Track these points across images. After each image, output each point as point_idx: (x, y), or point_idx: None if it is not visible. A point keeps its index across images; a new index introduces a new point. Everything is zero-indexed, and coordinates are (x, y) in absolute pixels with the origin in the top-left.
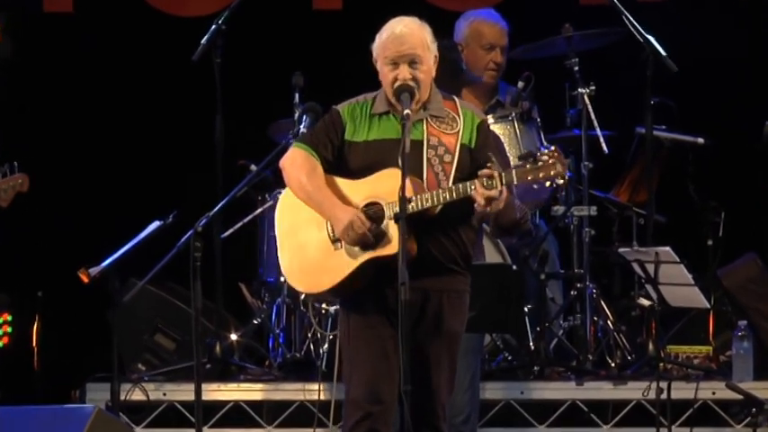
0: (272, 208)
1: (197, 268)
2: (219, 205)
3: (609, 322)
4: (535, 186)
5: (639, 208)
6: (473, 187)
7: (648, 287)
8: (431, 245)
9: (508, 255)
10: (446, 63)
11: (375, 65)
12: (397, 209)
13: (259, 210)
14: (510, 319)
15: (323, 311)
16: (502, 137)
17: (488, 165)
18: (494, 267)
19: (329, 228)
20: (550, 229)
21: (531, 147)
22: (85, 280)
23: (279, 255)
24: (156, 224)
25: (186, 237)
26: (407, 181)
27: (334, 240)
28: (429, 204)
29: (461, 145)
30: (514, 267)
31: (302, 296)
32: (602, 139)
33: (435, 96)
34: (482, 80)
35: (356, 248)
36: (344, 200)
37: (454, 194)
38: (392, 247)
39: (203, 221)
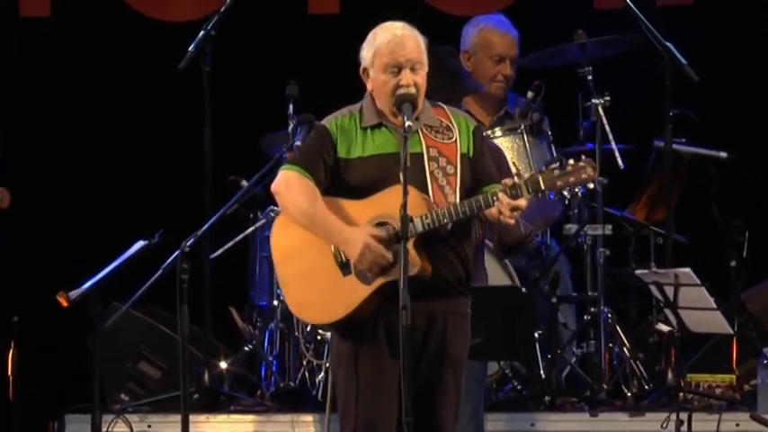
0: (265, 227)
1: (184, 291)
2: (208, 224)
3: (625, 349)
4: (561, 195)
5: (658, 227)
6: (495, 198)
7: (667, 311)
8: (440, 264)
9: (517, 276)
10: (445, 70)
11: (362, 74)
12: (413, 226)
13: (250, 228)
14: (519, 346)
15: (318, 338)
16: (510, 150)
17: (515, 173)
18: (501, 290)
19: (336, 253)
20: (562, 250)
21: (541, 161)
22: (65, 304)
23: (281, 287)
24: (140, 244)
25: (172, 257)
26: (419, 198)
27: (342, 265)
28: (446, 220)
29: (462, 155)
30: (523, 290)
31: (295, 320)
32: (617, 154)
33: (426, 105)
34: (484, 88)
35: (369, 273)
36: (350, 222)
37: (474, 207)
38: (410, 268)
39: (191, 241)
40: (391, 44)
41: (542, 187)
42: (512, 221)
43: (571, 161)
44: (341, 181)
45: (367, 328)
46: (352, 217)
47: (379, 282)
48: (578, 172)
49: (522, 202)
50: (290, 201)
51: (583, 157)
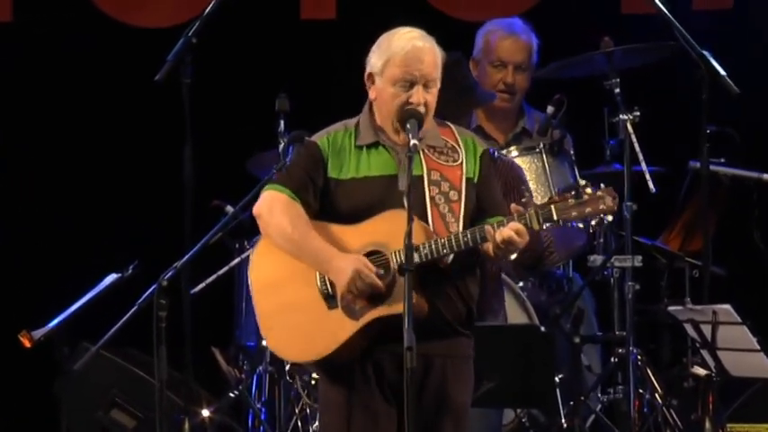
0: None
1: (162, 330)
2: (188, 255)
3: (657, 395)
4: (580, 225)
5: (694, 258)
6: (504, 227)
7: (704, 353)
8: (438, 301)
9: (535, 313)
10: (452, 81)
11: (367, 79)
12: (404, 257)
13: (236, 260)
14: (537, 392)
15: (312, 382)
16: (528, 173)
17: (522, 200)
18: (518, 329)
19: (321, 282)
20: (586, 284)
21: (562, 184)
22: (28, 344)
23: (259, 321)
24: (112, 277)
25: (148, 292)
26: (417, 226)
27: (328, 297)
28: (446, 251)
29: (467, 179)
30: (543, 329)
31: (287, 365)
32: (648, 176)
33: (431, 123)
34: (496, 98)
35: (357, 306)
36: (341, 249)
37: (478, 238)
38: (401, 304)
39: (169, 274)
40: (408, 55)
41: (555, 218)
42: (505, 258)
43: (588, 189)
44: (331, 204)
45: (357, 370)
46: (340, 244)
47: (369, 317)
48: (595, 202)
49: (514, 236)
50: (272, 224)
51: (602, 185)
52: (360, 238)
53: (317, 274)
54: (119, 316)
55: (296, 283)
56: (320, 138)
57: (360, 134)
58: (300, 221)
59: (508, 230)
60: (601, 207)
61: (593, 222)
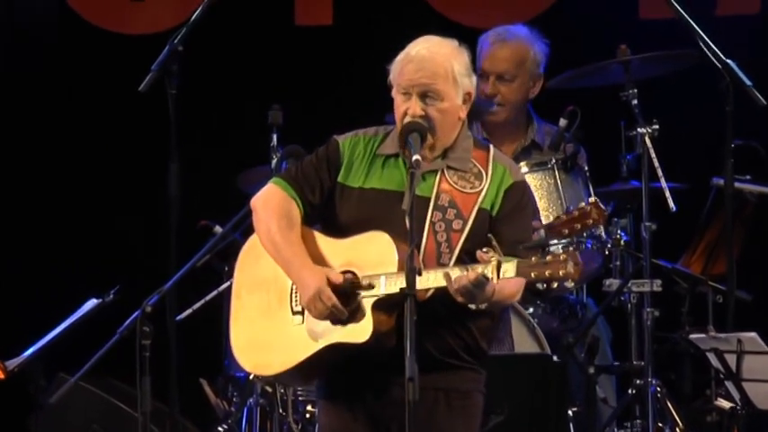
0: None
1: (145, 360)
2: (174, 278)
3: (678, 430)
4: (539, 286)
5: (717, 282)
6: (460, 275)
7: (729, 384)
8: (424, 336)
9: (546, 342)
10: None
11: (391, 91)
12: (378, 283)
13: (225, 284)
14: (549, 426)
15: (307, 415)
16: (539, 190)
17: (485, 249)
18: (528, 359)
19: (292, 294)
20: (601, 310)
21: (575, 201)
22: (0, 376)
23: (230, 321)
24: (92, 303)
25: (131, 319)
26: (397, 251)
27: (296, 312)
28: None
29: (479, 210)
30: (555, 358)
31: (279, 394)
32: (668, 194)
33: (463, 143)
34: (494, 107)
35: (320, 327)
36: (320, 262)
37: (443, 279)
38: (362, 333)
39: (153, 299)
40: (403, 63)
41: (513, 274)
42: (474, 306)
43: (553, 249)
44: (333, 210)
45: (346, 402)
46: (323, 256)
47: (326, 341)
48: (556, 265)
49: (469, 286)
50: (263, 221)
51: (570, 249)
52: (340, 254)
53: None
54: (99, 344)
55: (271, 288)
56: (344, 139)
57: (385, 142)
58: (287, 223)
59: (465, 280)
60: (561, 272)
61: (554, 286)
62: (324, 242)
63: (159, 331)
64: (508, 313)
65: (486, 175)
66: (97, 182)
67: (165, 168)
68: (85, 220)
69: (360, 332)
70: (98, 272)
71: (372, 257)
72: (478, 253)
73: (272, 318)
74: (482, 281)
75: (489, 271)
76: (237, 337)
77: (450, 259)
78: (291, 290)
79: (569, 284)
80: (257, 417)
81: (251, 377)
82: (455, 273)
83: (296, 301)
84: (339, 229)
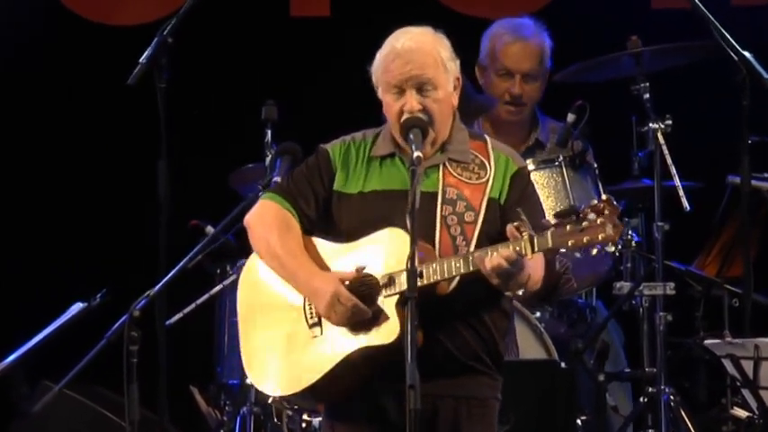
0: (235, 285)
1: (133, 366)
2: (164, 281)
3: None
4: (577, 254)
5: (733, 284)
6: (493, 254)
7: (745, 392)
8: (442, 334)
9: (554, 348)
10: None
11: (377, 93)
12: (399, 281)
13: (218, 287)
14: None
15: (303, 424)
16: (546, 188)
17: (515, 224)
18: (535, 365)
19: (306, 307)
20: (611, 314)
21: (584, 200)
22: None
23: (240, 344)
24: (77, 307)
25: (118, 324)
26: (417, 247)
27: (313, 324)
28: (437, 278)
29: (489, 200)
30: (563, 365)
31: (269, 399)
32: (681, 192)
33: (459, 134)
34: (497, 103)
35: (341, 334)
36: (329, 269)
37: (470, 264)
38: (388, 334)
39: (142, 303)
40: (388, 59)
41: (550, 245)
42: (510, 290)
43: (591, 215)
44: (333, 219)
45: (359, 410)
46: (331, 263)
47: (353, 347)
48: (594, 230)
49: (503, 264)
50: (259, 236)
51: (606, 209)
52: (350, 258)
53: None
54: (85, 350)
55: (281, 307)
56: (333, 146)
57: (377, 144)
58: (289, 236)
59: (498, 258)
60: (600, 236)
61: (593, 252)
62: (329, 249)
63: (148, 336)
64: (513, 317)
65: (489, 164)
66: (83, 180)
67: (154, 166)
68: (71, 220)
69: (386, 333)
70: (84, 274)
71: (387, 255)
72: (509, 227)
73: (290, 336)
74: (516, 258)
75: (522, 246)
76: (254, 363)
77: (468, 252)
78: (304, 303)
79: (610, 248)
80: (251, 426)
81: (245, 383)
82: (477, 254)
83: (310, 313)
84: (343, 237)
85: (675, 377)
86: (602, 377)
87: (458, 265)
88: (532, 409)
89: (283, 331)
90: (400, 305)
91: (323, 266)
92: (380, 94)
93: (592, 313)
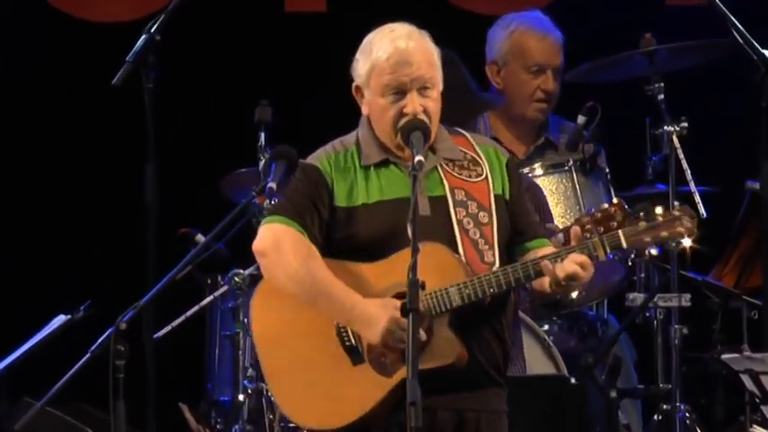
0: (227, 296)
1: (119, 382)
2: (151, 292)
3: None
4: (653, 250)
5: (752, 296)
6: (559, 260)
7: (765, 409)
8: (476, 347)
9: (563, 362)
10: (451, 82)
11: (355, 93)
12: (449, 300)
13: (208, 298)
14: None
15: None
16: (555, 194)
17: (547, 225)
18: (543, 380)
19: (341, 334)
20: (624, 327)
21: (595, 206)
22: None
23: (268, 382)
24: (60, 319)
25: (104, 337)
26: (451, 260)
27: (351, 351)
28: (492, 291)
29: (495, 197)
30: (573, 380)
31: (268, 421)
32: (697, 198)
33: (442, 133)
34: (501, 102)
35: (388, 360)
36: (361, 292)
37: (532, 273)
38: (449, 353)
39: (128, 315)
40: (392, 59)
41: (624, 245)
42: (565, 295)
43: (659, 209)
44: (341, 237)
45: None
46: (361, 286)
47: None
48: (670, 224)
49: (579, 270)
50: (280, 265)
51: (676, 204)
52: (384, 277)
53: (335, 322)
54: (68, 365)
55: (310, 334)
56: (319, 160)
57: (363, 152)
58: (314, 262)
59: (572, 264)
60: (678, 229)
61: (672, 246)
62: (357, 270)
63: (135, 350)
64: (519, 328)
65: (481, 159)
66: (66, 185)
67: (142, 171)
68: (53, 227)
69: (445, 352)
70: (67, 284)
71: (434, 272)
72: (574, 229)
73: (325, 365)
74: (588, 262)
75: (594, 247)
76: (289, 399)
77: (493, 256)
78: (337, 328)
79: (687, 243)
80: None
81: (237, 400)
82: (543, 263)
83: (348, 339)
84: (353, 255)
85: (691, 394)
86: (614, 394)
87: (517, 276)
88: (540, 426)
89: (316, 359)
90: (453, 325)
91: (358, 289)
92: (368, 96)
93: (603, 326)
